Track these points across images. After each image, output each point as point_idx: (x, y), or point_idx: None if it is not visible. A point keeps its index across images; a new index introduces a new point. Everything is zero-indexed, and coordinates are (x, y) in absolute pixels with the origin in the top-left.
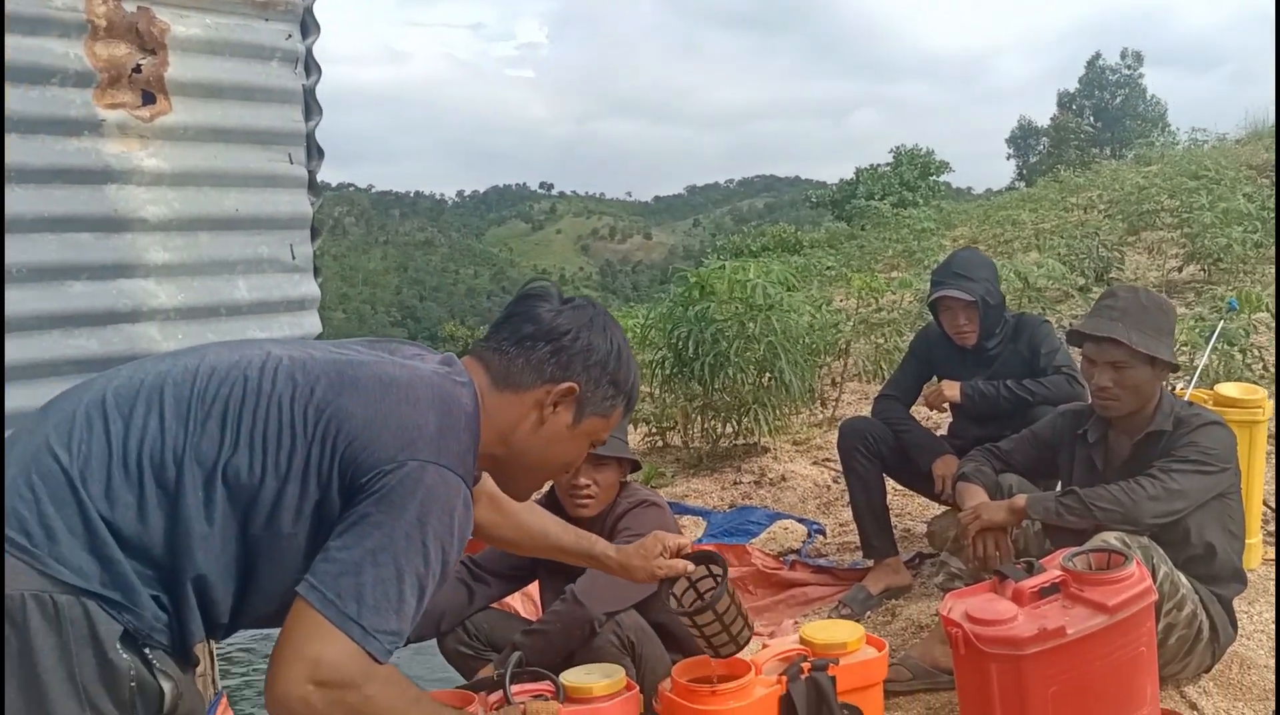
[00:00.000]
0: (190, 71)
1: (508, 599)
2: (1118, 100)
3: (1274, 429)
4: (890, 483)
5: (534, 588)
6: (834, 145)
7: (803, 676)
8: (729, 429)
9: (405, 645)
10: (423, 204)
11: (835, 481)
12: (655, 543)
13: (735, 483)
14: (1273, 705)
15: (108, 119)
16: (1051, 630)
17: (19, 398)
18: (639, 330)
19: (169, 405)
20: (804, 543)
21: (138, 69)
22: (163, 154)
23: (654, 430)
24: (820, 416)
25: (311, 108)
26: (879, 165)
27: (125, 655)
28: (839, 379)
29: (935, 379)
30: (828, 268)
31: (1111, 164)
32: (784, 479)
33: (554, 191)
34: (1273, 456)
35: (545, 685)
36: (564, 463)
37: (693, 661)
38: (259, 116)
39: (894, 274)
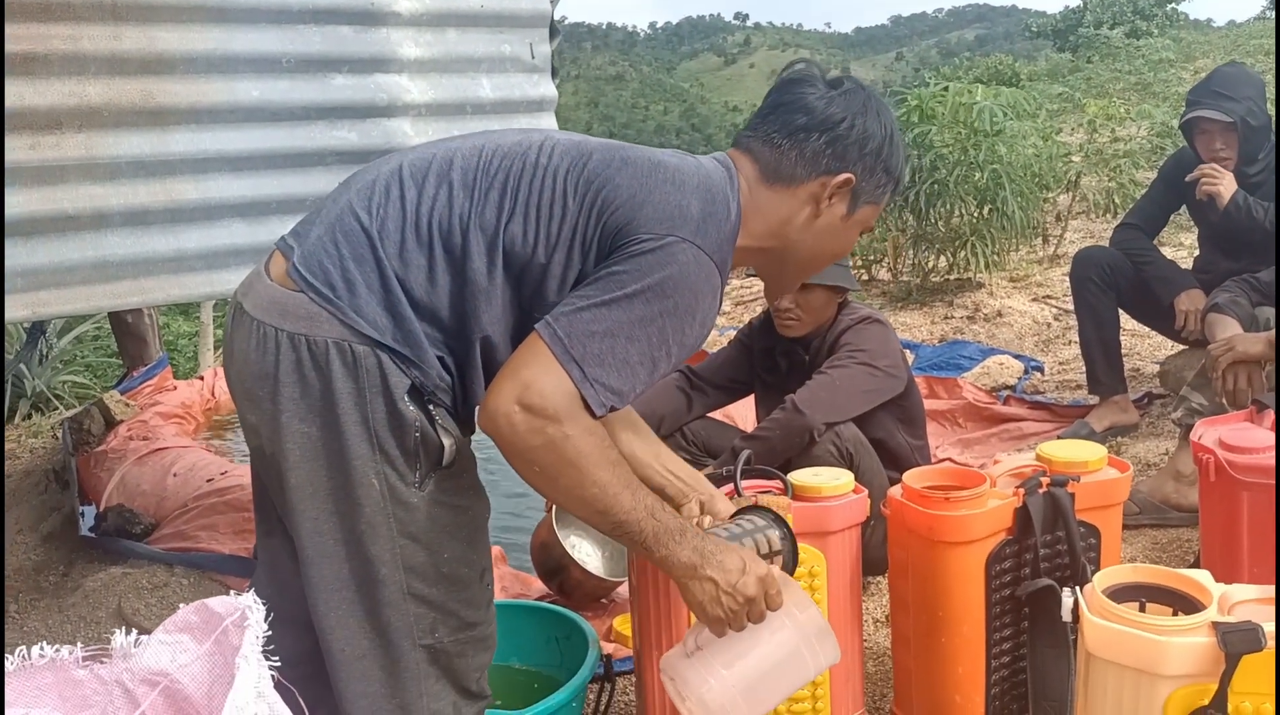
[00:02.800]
0: None
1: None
2: None
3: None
4: (1122, 320)
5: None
6: None
7: (1040, 491)
8: (942, 262)
9: None
10: (614, 36)
11: (1056, 319)
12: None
13: (946, 318)
14: None
15: None
16: None
17: (293, 185)
18: None
19: (456, 177)
20: (1020, 379)
21: None
22: None
23: (860, 262)
24: (1041, 253)
25: None
26: None
27: (412, 407)
28: (1064, 214)
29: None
30: (1058, 94)
31: None
32: (1000, 315)
33: (749, 22)
34: None
35: (774, 483)
36: (836, 254)
37: (923, 470)
38: None
39: (1124, 106)
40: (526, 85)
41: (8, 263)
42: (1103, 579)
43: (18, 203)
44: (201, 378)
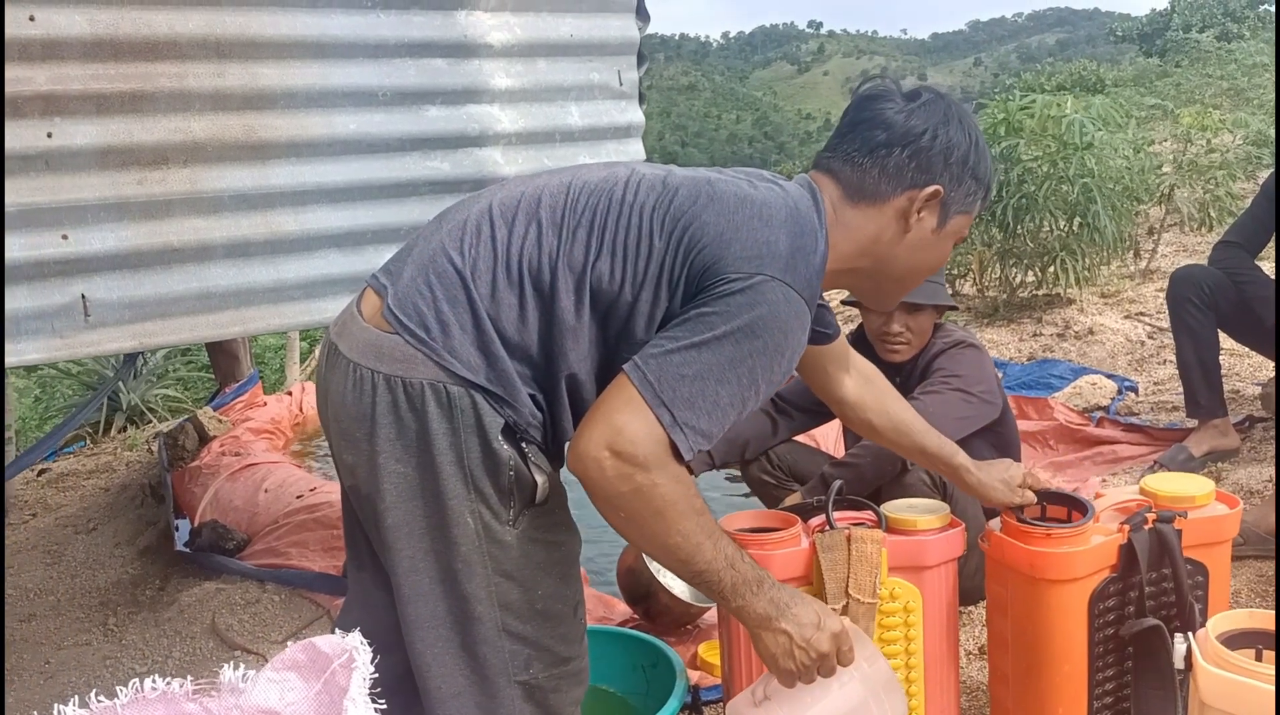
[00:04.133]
0: None
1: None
2: None
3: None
4: (1221, 340)
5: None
6: None
7: (1146, 527)
8: (1030, 277)
9: (712, 469)
10: (687, 47)
11: (1150, 337)
12: (1019, 472)
13: (1035, 335)
14: None
15: None
16: None
17: (388, 215)
18: None
19: (545, 216)
20: (1113, 399)
21: None
22: None
23: (944, 278)
24: (1133, 268)
25: None
26: None
27: (506, 446)
28: (1157, 228)
29: None
30: (1150, 105)
31: None
32: (1091, 332)
33: (823, 30)
34: None
35: (867, 514)
36: (931, 267)
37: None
38: None
39: (1219, 114)
40: (614, 112)
41: (115, 296)
42: (1217, 624)
43: (126, 237)
44: (290, 393)
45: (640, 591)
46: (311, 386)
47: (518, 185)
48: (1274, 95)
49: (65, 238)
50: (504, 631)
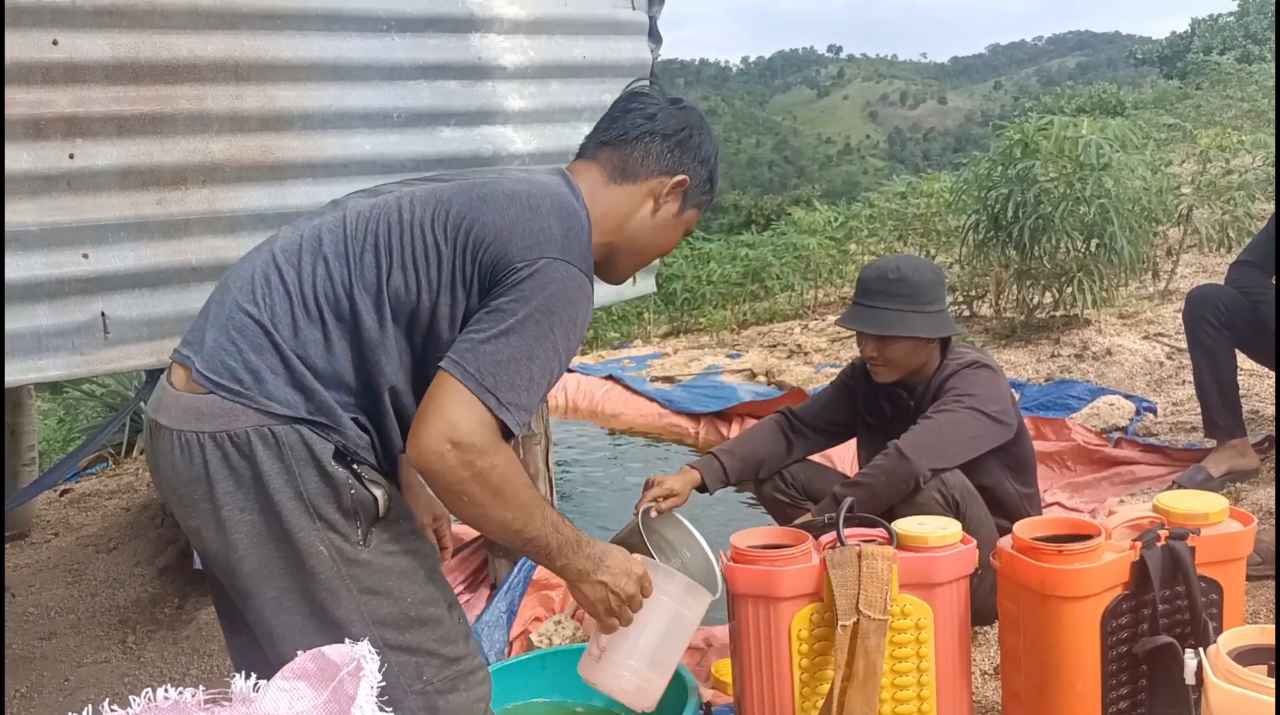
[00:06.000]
0: None
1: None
2: None
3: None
4: (1239, 360)
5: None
6: None
7: (1159, 544)
8: (1047, 298)
9: (726, 486)
10: (707, 72)
11: (1169, 358)
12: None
13: (1053, 355)
14: None
15: None
16: None
17: None
18: (947, 194)
19: (329, 250)
20: (1131, 420)
21: None
22: (519, 2)
23: (961, 298)
24: (1151, 289)
25: None
26: (1220, 15)
27: (340, 469)
28: (1176, 249)
29: None
30: (1169, 126)
31: None
32: (1109, 353)
33: (842, 55)
34: None
35: (878, 531)
36: (663, 249)
37: (1034, 521)
38: None
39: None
40: None
41: (135, 313)
42: (1228, 640)
43: (145, 255)
44: None
45: None
46: None
47: (291, 231)
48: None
49: (86, 256)
50: (386, 646)
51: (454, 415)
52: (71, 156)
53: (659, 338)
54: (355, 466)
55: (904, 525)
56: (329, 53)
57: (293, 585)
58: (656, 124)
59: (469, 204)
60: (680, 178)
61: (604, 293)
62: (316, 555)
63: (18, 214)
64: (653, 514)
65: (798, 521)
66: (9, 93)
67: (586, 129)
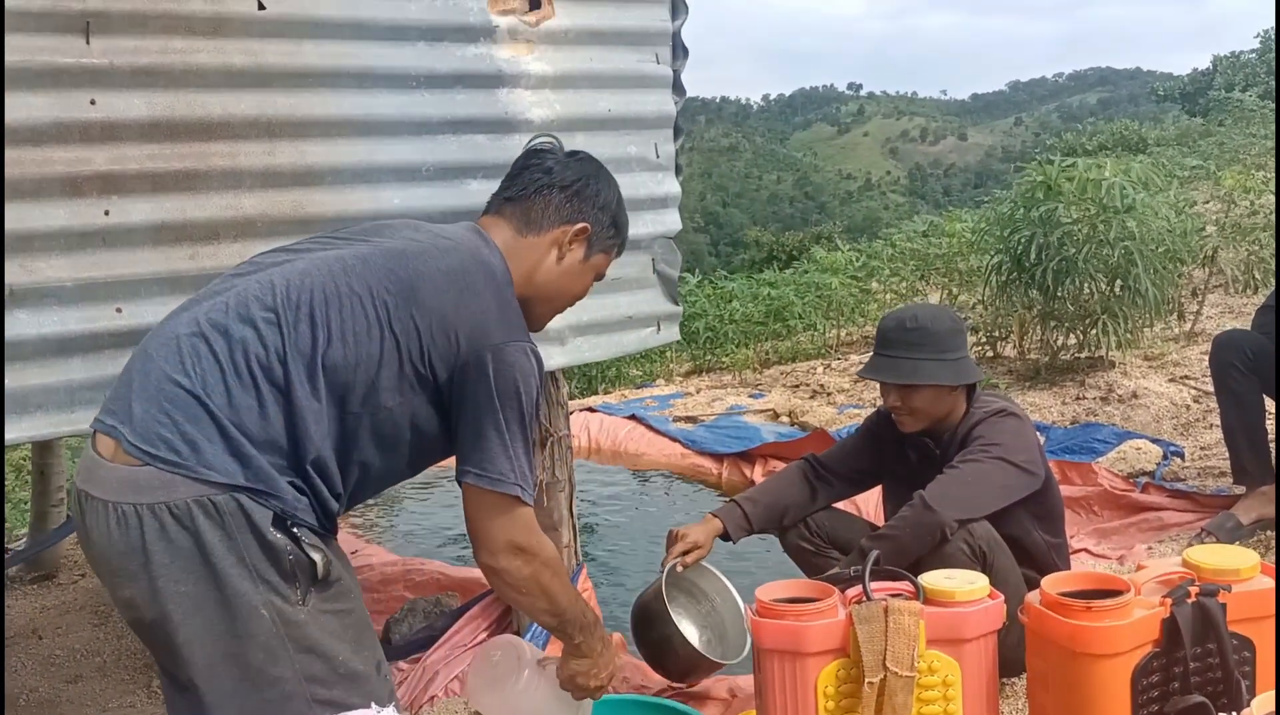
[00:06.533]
0: None
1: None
2: None
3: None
4: (1267, 405)
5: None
6: (1186, 31)
7: (1189, 601)
8: (1071, 340)
9: (749, 535)
10: (728, 109)
11: (1196, 401)
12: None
13: (1078, 398)
14: None
15: (500, 25)
16: None
17: None
18: (969, 234)
19: (259, 316)
20: (1159, 465)
21: None
22: (546, 58)
23: (984, 339)
24: (1177, 331)
25: (677, 5)
26: (1242, 53)
27: (279, 535)
28: (1201, 290)
29: None
30: (1193, 166)
31: None
32: (1135, 396)
33: (862, 92)
34: None
35: (904, 585)
36: (576, 295)
37: (1062, 576)
38: (630, 17)
39: (1262, 175)
40: (651, 183)
41: None
42: (1263, 704)
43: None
44: None
45: (653, 635)
46: None
47: (212, 297)
48: None
49: (119, 311)
50: (313, 701)
51: (503, 525)
52: (107, 213)
53: (681, 376)
54: (295, 530)
55: (931, 579)
56: (360, 109)
57: (226, 651)
58: (553, 177)
59: (407, 282)
60: (580, 225)
61: (629, 340)
62: (257, 618)
63: (54, 270)
64: (679, 569)
65: (824, 575)
66: (47, 151)
67: None
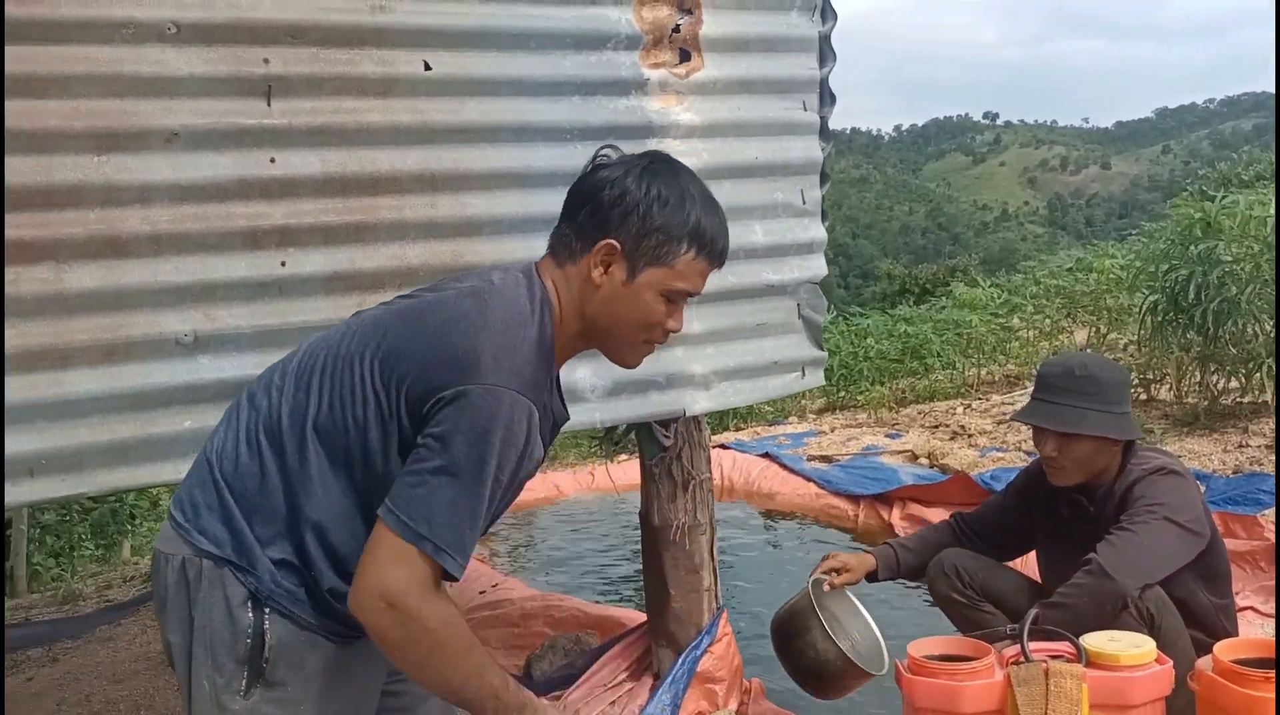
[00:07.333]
0: (720, 27)
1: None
2: None
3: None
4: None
5: None
6: None
7: None
8: (1234, 384)
9: (897, 577)
10: (858, 141)
11: None
12: None
13: (1240, 446)
14: None
15: (651, 78)
16: None
17: None
18: (1118, 271)
19: (274, 386)
20: None
21: (676, 29)
22: (695, 108)
23: (1137, 381)
24: None
25: (825, 53)
26: None
27: (248, 615)
28: None
29: None
30: None
31: None
32: None
33: (999, 121)
34: None
35: (1064, 646)
36: (638, 321)
37: (1234, 643)
38: (779, 66)
39: None
40: (797, 229)
41: None
42: None
43: None
44: None
45: (798, 644)
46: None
47: (272, 366)
48: None
49: None
50: None
51: (387, 572)
52: (283, 264)
53: (814, 414)
54: (266, 613)
55: (1094, 641)
56: (518, 162)
57: (186, 707)
58: (573, 199)
59: (403, 336)
60: (603, 243)
61: (774, 386)
62: (199, 688)
63: (234, 318)
64: (825, 587)
65: (978, 633)
66: (230, 207)
67: (758, 226)
